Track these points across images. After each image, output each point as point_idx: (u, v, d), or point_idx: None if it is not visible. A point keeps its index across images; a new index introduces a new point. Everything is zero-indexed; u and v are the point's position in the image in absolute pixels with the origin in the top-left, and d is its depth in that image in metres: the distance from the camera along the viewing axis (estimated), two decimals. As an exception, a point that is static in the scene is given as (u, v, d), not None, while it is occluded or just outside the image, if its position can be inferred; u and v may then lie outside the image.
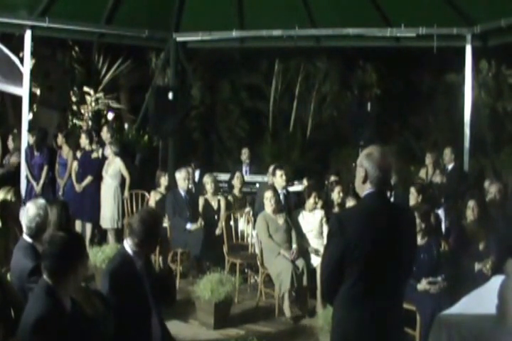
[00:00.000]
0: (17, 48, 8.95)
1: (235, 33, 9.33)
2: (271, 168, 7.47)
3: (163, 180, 7.72)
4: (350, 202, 6.43)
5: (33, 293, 2.88)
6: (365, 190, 2.78)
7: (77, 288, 2.95)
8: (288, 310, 5.66)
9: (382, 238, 2.69)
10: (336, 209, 6.64)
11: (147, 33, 9.36)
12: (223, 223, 6.76)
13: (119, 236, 7.62)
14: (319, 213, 6.32)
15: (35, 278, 3.44)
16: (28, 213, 3.98)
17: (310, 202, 6.31)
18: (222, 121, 13.15)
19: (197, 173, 8.79)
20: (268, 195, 6.18)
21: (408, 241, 2.84)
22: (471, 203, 5.74)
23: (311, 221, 6.28)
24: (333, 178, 7.75)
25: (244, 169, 9.13)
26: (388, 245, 2.70)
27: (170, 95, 9.27)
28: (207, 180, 7.29)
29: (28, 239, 3.93)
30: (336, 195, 6.77)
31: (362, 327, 2.69)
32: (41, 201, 4.14)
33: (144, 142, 9.71)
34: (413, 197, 6.25)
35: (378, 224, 2.71)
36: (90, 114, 12.13)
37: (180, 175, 7.14)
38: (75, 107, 12.17)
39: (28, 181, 8.18)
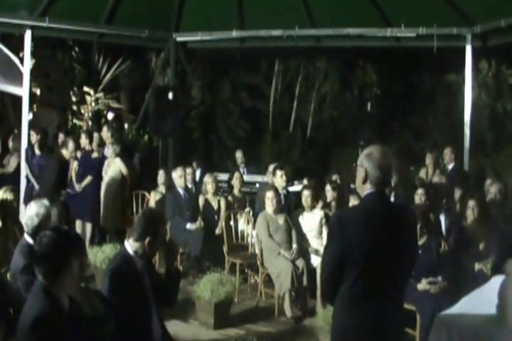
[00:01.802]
0: (17, 48, 8.94)
1: (235, 33, 9.33)
2: (271, 168, 7.46)
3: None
4: (354, 202, 6.41)
5: (31, 292, 2.87)
6: (365, 190, 2.79)
7: (75, 287, 2.91)
8: (289, 310, 5.66)
9: (382, 238, 2.69)
10: (330, 208, 6.61)
11: (147, 33, 9.36)
12: (223, 223, 6.75)
13: (119, 236, 7.61)
14: (319, 213, 6.31)
15: (25, 276, 3.48)
16: (30, 212, 3.99)
17: (307, 201, 6.30)
18: (222, 121, 13.13)
19: (197, 173, 8.78)
20: (269, 195, 6.17)
21: (408, 241, 2.84)
22: (471, 203, 5.73)
23: (311, 221, 6.27)
24: (334, 178, 7.74)
25: (241, 170, 9.11)
26: (388, 245, 2.70)
27: (170, 95, 9.28)
28: (208, 180, 7.28)
29: (29, 239, 3.93)
30: (328, 193, 6.73)
31: (362, 327, 2.70)
32: (44, 201, 4.15)
33: (144, 142, 9.71)
34: (420, 199, 6.19)
35: (378, 224, 2.71)
36: (90, 114, 12.11)
37: (176, 174, 7.15)
38: (75, 107, 12.15)
39: (28, 181, 8.18)
